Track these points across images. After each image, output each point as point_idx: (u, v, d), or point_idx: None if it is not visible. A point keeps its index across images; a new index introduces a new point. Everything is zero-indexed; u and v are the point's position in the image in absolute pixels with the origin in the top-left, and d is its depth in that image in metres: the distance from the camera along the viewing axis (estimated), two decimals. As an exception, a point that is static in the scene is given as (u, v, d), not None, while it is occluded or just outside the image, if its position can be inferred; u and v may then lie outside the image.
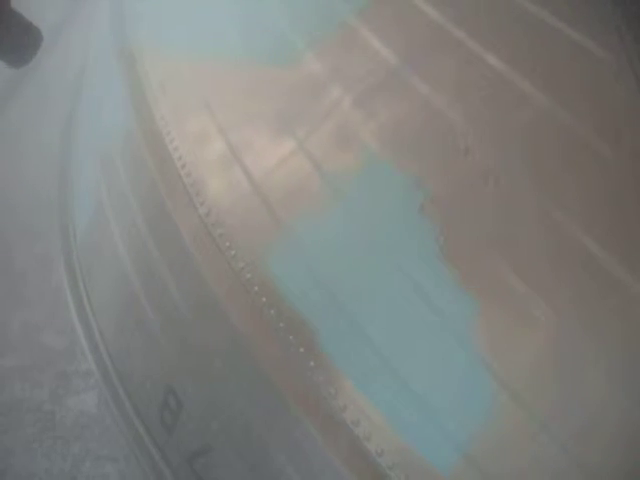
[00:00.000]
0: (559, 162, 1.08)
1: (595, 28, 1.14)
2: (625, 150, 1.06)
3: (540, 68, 1.14)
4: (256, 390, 1.24)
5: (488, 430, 1.04)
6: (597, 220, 1.03)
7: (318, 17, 1.36)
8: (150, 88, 1.50)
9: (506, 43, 1.18)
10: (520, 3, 1.20)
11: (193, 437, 1.48)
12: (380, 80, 1.23)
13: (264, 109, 1.32)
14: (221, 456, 1.40)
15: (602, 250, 1.01)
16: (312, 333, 1.15)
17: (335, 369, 1.13)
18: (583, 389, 1.00)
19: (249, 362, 1.22)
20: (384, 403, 1.10)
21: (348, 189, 1.18)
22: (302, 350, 1.14)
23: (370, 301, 1.13)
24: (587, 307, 1.02)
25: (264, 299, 1.19)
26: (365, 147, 1.19)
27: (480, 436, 1.04)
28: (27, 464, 2.14)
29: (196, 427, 1.46)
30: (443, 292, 1.08)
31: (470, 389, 1.05)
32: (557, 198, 1.05)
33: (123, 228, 1.62)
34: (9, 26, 0.92)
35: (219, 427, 1.37)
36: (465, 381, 1.06)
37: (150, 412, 1.61)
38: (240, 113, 1.35)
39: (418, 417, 1.07)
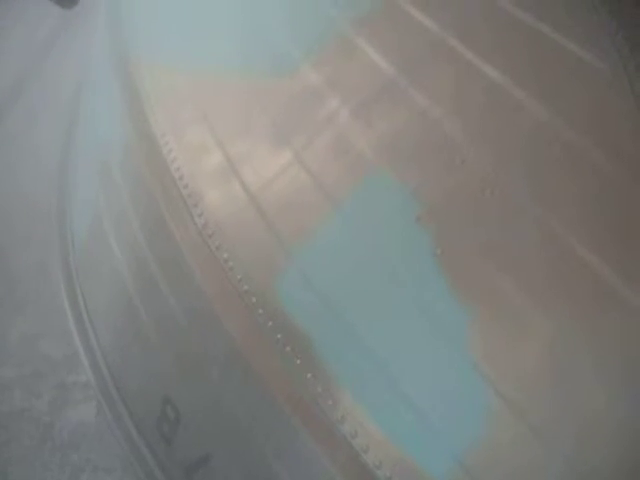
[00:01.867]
0: (556, 172, 1.08)
1: (592, 39, 1.15)
2: (622, 160, 1.06)
3: (537, 79, 1.15)
4: (254, 401, 1.24)
5: (484, 439, 1.04)
6: (594, 230, 1.04)
7: (315, 29, 1.36)
8: (148, 100, 1.50)
9: (503, 54, 1.18)
10: (517, 14, 1.21)
11: (191, 448, 1.48)
12: (377, 91, 1.23)
13: (262, 121, 1.32)
14: (220, 466, 1.40)
15: (598, 259, 1.01)
16: (309, 344, 1.14)
17: (333, 380, 1.12)
18: (579, 397, 0.99)
19: (247, 373, 1.22)
20: (382, 414, 1.10)
21: (345, 200, 1.18)
22: (299, 361, 1.14)
23: (367, 312, 1.13)
24: (583, 316, 1.02)
25: (261, 310, 1.19)
26: (362, 158, 1.20)
27: (476, 445, 1.04)
28: (25, 475, 2.13)
29: (194, 438, 1.45)
30: (440, 302, 1.08)
31: (467, 398, 1.05)
32: (554, 208, 1.05)
33: (121, 238, 1.62)
34: None
35: (217, 438, 1.37)
36: (462, 391, 1.05)
37: (148, 423, 1.60)
38: (238, 125, 1.36)
39: (415, 428, 1.07)
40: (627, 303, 0.99)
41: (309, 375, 1.13)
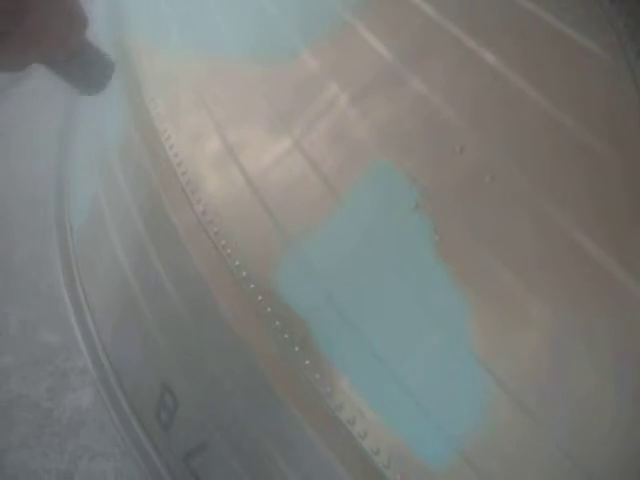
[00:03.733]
0: (556, 161, 1.08)
1: (593, 26, 1.14)
2: (623, 147, 1.06)
3: (537, 66, 1.14)
4: (252, 389, 1.24)
5: (482, 427, 1.04)
6: (595, 219, 1.03)
7: (314, 14, 1.36)
8: (147, 85, 1.50)
9: (502, 41, 1.17)
10: (518, 1, 1.20)
11: (189, 435, 1.48)
12: (377, 78, 1.23)
13: (260, 107, 1.32)
14: (217, 454, 1.40)
15: (598, 248, 1.01)
16: (308, 331, 1.14)
17: (331, 368, 1.12)
18: (576, 386, 0.99)
19: (245, 360, 1.22)
20: (380, 401, 1.10)
21: (344, 187, 1.18)
22: (297, 349, 1.14)
23: (366, 298, 1.13)
24: (582, 305, 1.02)
25: (260, 297, 1.19)
26: (361, 145, 1.19)
27: (474, 433, 1.04)
28: (24, 461, 2.14)
29: (192, 425, 1.46)
30: (438, 289, 1.07)
31: (465, 386, 1.05)
32: (554, 197, 1.05)
33: (119, 225, 1.62)
34: (84, 57, 0.93)
35: (215, 425, 1.37)
36: (460, 378, 1.05)
37: (146, 410, 1.61)
38: (236, 111, 1.35)
39: (413, 414, 1.07)
40: (626, 291, 0.99)
41: (307, 362, 1.13)
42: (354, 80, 1.24)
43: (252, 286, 1.20)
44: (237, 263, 1.22)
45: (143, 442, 1.62)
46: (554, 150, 1.08)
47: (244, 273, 1.21)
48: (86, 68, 0.95)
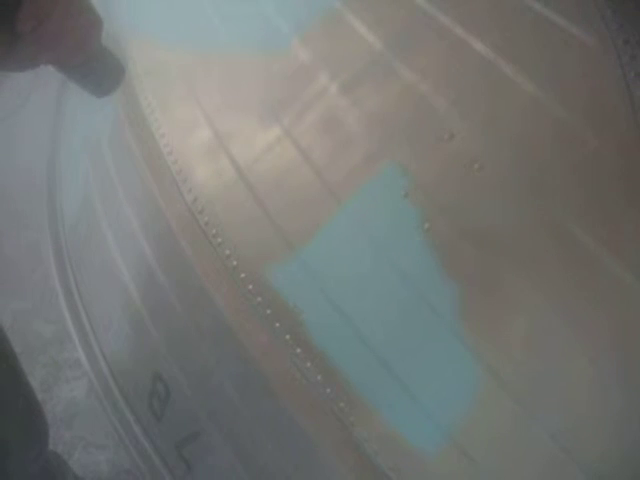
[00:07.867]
0: (545, 149, 1.08)
1: (581, 14, 1.14)
2: (610, 136, 1.06)
3: (526, 54, 1.14)
4: (243, 377, 1.24)
5: (474, 415, 1.04)
6: (583, 207, 1.04)
7: (304, 2, 1.36)
8: (137, 75, 1.49)
9: (492, 29, 1.18)
10: (507, -11, 1.20)
11: (181, 424, 1.48)
12: (366, 66, 1.23)
13: (250, 96, 1.32)
14: (209, 443, 1.40)
15: (587, 235, 1.01)
16: (298, 320, 1.15)
17: (322, 355, 1.13)
18: (568, 375, 1.00)
19: (235, 349, 1.22)
20: (370, 389, 1.10)
21: (334, 176, 1.18)
22: (288, 337, 1.14)
23: (356, 287, 1.13)
24: (572, 294, 1.02)
25: (251, 286, 1.19)
26: (351, 134, 1.19)
27: (466, 421, 1.04)
28: (19, 452, 2.13)
29: (184, 414, 1.46)
30: (428, 278, 1.08)
31: (455, 374, 1.05)
32: (542, 184, 1.05)
33: (110, 216, 1.62)
34: (97, 61, 0.93)
35: (207, 414, 1.37)
36: (451, 366, 1.06)
37: (139, 400, 1.61)
38: (226, 100, 1.35)
39: (403, 402, 1.07)
40: (617, 281, 0.99)
41: (298, 350, 1.14)
42: (344, 69, 1.24)
43: (243, 275, 1.20)
44: (228, 252, 1.22)
45: (135, 431, 1.62)
46: (543, 138, 1.08)
47: (235, 262, 1.21)
48: (98, 72, 0.95)
